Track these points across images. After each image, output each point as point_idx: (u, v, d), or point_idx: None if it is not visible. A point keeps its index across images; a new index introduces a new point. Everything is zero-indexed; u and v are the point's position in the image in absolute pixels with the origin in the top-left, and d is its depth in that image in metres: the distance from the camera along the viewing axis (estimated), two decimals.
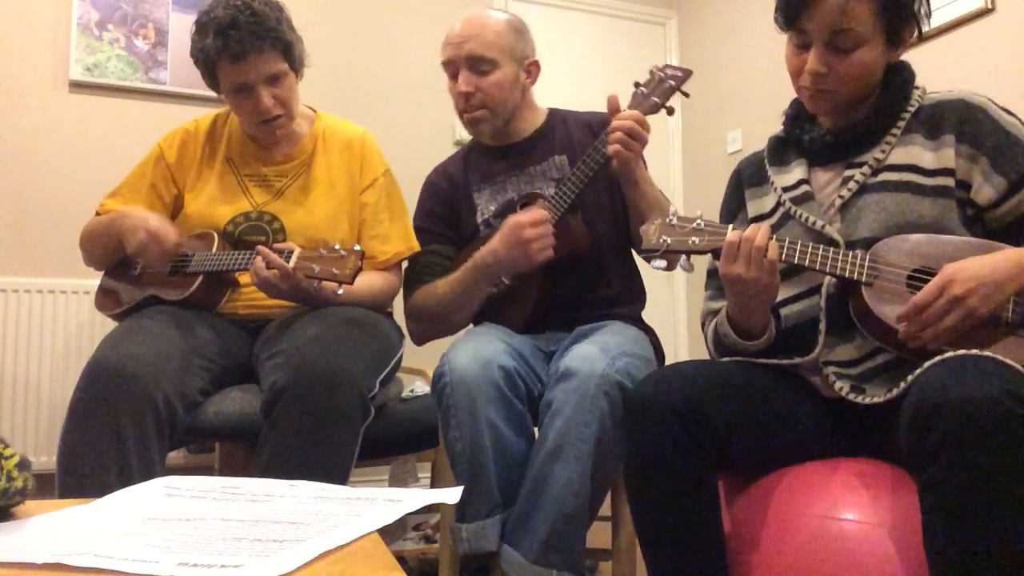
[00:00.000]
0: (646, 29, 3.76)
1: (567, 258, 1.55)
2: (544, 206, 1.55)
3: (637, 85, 1.59)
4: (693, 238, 1.19)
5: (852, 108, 1.23)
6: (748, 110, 3.24)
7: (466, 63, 1.65)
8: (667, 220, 1.21)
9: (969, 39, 2.48)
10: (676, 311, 3.66)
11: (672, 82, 1.56)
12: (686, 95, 1.60)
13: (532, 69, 1.73)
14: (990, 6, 2.41)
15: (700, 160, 3.66)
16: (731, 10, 3.50)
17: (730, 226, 1.18)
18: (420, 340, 1.74)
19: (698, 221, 1.20)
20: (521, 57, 1.70)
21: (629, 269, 1.75)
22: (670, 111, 1.56)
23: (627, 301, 1.71)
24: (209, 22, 1.54)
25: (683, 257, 1.21)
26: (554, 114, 1.79)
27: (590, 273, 1.64)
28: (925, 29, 1.22)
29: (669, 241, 1.19)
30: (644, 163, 1.60)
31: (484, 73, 1.65)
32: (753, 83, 3.27)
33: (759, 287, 1.15)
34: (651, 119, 1.53)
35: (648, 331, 1.66)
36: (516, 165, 1.72)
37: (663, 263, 1.22)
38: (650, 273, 1.76)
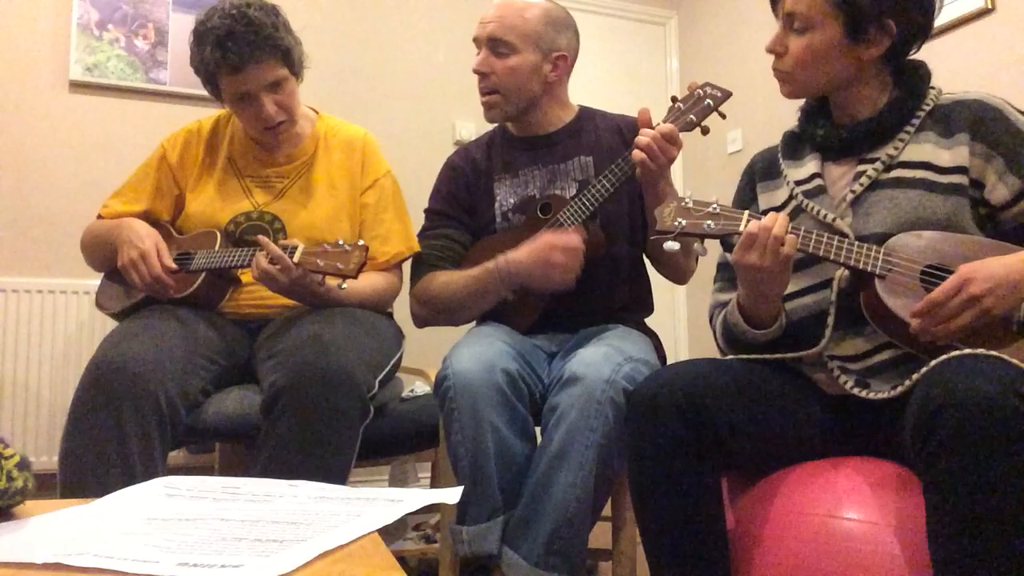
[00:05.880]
0: (646, 29, 3.75)
1: (582, 265, 1.52)
2: (566, 212, 1.54)
3: (675, 100, 1.54)
4: (708, 222, 1.18)
5: (817, 98, 1.29)
6: (748, 110, 3.24)
7: (487, 43, 1.64)
8: (682, 203, 1.20)
9: (969, 39, 2.48)
10: (676, 313, 3.66)
11: (710, 102, 1.51)
12: (723, 116, 1.53)
13: (559, 63, 1.68)
14: (990, 6, 2.41)
15: (700, 160, 3.66)
16: (731, 10, 3.50)
17: (746, 212, 1.18)
18: (421, 324, 1.73)
19: (714, 205, 1.19)
20: (548, 48, 1.66)
21: (641, 279, 1.73)
22: (704, 131, 1.51)
23: (634, 308, 1.70)
24: (206, 33, 1.53)
25: (697, 241, 1.20)
26: (584, 113, 1.76)
27: (603, 281, 1.62)
28: (925, 35, 1.23)
29: (683, 223, 1.18)
30: (668, 176, 1.54)
31: (501, 56, 1.63)
32: (753, 83, 3.26)
33: (772, 276, 1.15)
34: None
35: (651, 335, 1.65)
36: (540, 159, 1.70)
37: (676, 245, 1.20)
38: (651, 274, 1.76)
